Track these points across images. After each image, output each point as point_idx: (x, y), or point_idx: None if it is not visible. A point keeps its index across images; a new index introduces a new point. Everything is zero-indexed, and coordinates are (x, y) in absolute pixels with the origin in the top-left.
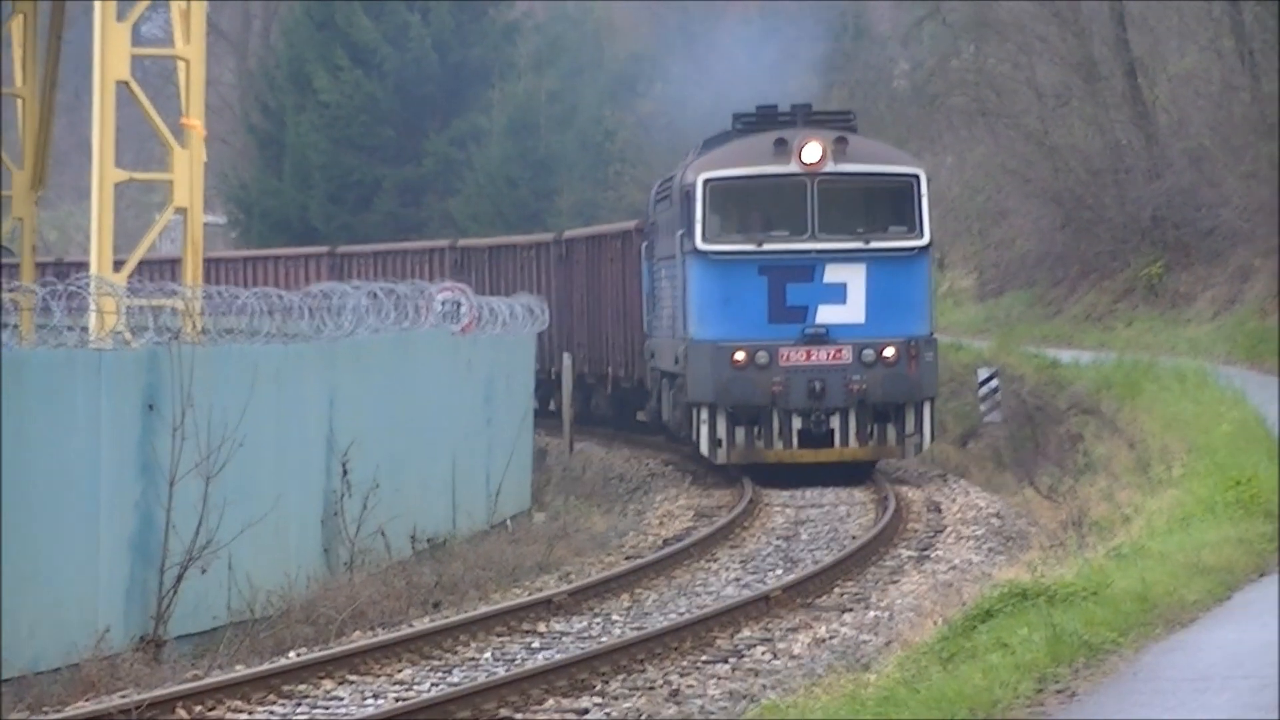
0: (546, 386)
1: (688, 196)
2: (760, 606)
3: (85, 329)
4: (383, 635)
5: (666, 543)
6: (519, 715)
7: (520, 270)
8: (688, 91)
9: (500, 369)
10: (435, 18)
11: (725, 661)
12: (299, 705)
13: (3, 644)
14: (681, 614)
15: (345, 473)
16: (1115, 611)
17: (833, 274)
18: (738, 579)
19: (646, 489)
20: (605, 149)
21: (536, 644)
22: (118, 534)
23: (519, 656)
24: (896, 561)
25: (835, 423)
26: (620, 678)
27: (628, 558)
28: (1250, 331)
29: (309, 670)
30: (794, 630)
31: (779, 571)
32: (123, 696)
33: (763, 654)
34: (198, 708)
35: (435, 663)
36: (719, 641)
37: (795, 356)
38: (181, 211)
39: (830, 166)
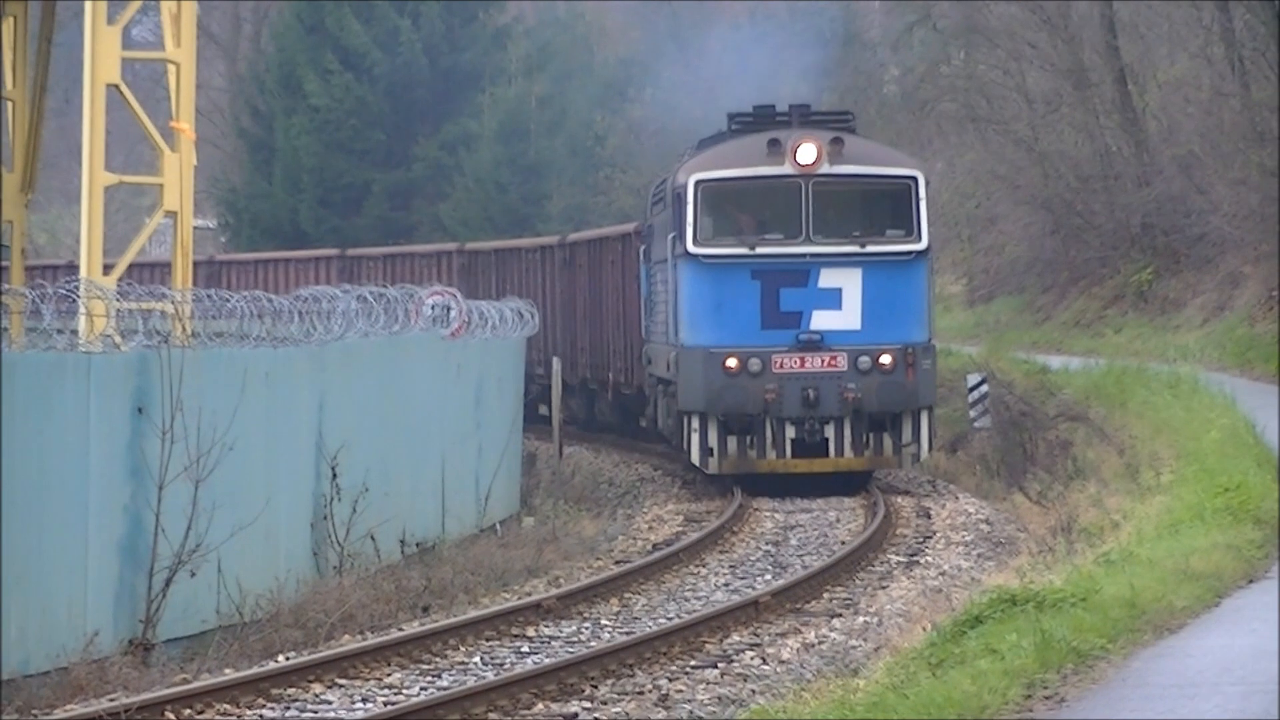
0: (549, 392)
1: (679, 198)
2: (749, 611)
3: (75, 332)
4: (372, 639)
5: (656, 547)
6: (508, 719)
7: (526, 273)
8: (678, 97)
9: (490, 373)
10: (426, 22)
11: (714, 666)
12: (288, 709)
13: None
14: (670, 619)
15: (335, 476)
16: (1104, 617)
17: (828, 279)
18: (727, 584)
19: (636, 494)
20: (595, 154)
21: (525, 648)
22: (107, 537)
23: (508, 661)
24: (886, 567)
25: (830, 432)
26: (609, 682)
27: (617, 562)
28: (1239, 338)
29: (298, 674)
30: (783, 635)
31: (768, 577)
32: (111, 700)
33: (752, 659)
34: (186, 711)
35: (424, 666)
36: (708, 646)
37: (789, 364)
38: (171, 215)
39: (825, 168)
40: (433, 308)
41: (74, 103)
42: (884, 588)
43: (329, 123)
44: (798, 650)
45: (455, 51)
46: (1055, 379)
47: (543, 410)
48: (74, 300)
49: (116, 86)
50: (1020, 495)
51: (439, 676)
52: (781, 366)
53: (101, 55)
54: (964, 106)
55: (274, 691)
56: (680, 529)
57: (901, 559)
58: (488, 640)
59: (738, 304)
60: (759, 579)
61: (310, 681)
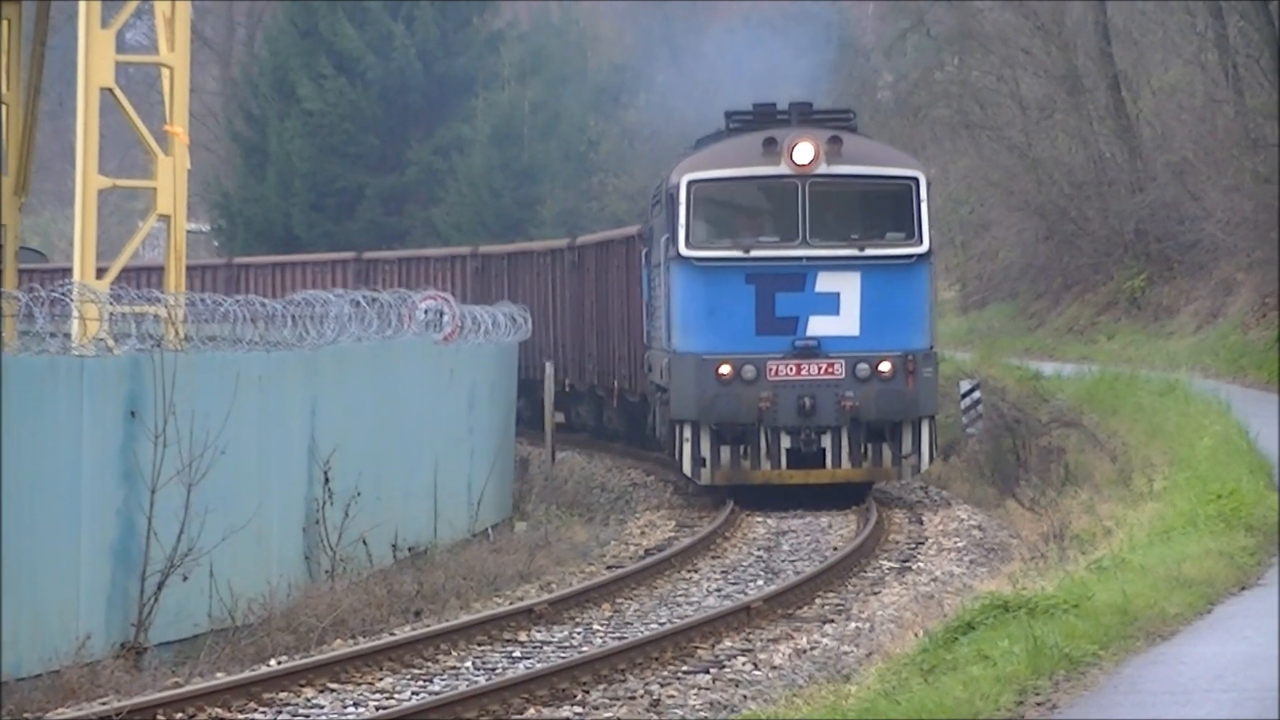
0: (559, 399)
1: (672, 199)
2: (741, 617)
3: (68, 335)
4: (364, 643)
5: (648, 552)
6: None
7: (536, 277)
8: (672, 101)
9: (483, 377)
10: (419, 27)
11: (706, 672)
12: (280, 713)
13: None
14: (662, 624)
15: (327, 480)
16: (1096, 624)
17: (825, 283)
18: (719, 589)
19: (628, 499)
20: (589, 159)
21: (517, 653)
22: (99, 541)
23: (500, 665)
24: (878, 573)
25: (827, 442)
26: (601, 687)
27: (609, 567)
28: (1233, 345)
29: (290, 678)
30: (775, 641)
31: (760, 582)
32: (103, 703)
33: (744, 664)
34: (178, 715)
35: (416, 671)
36: (700, 652)
37: (784, 371)
38: (165, 219)
39: (823, 167)
40: (426, 312)
41: (67, 106)
42: (876, 593)
43: (322, 127)
44: (790, 656)
45: (449, 56)
46: (1048, 385)
47: (559, 418)
48: (67, 304)
49: (110, 90)
50: (1013, 501)
51: (431, 681)
52: (776, 374)
53: (95, 58)
54: (958, 112)
55: (265, 695)
56: (673, 534)
57: (894, 565)
58: (480, 645)
59: (731, 309)
60: (751, 584)
61: (302, 686)
